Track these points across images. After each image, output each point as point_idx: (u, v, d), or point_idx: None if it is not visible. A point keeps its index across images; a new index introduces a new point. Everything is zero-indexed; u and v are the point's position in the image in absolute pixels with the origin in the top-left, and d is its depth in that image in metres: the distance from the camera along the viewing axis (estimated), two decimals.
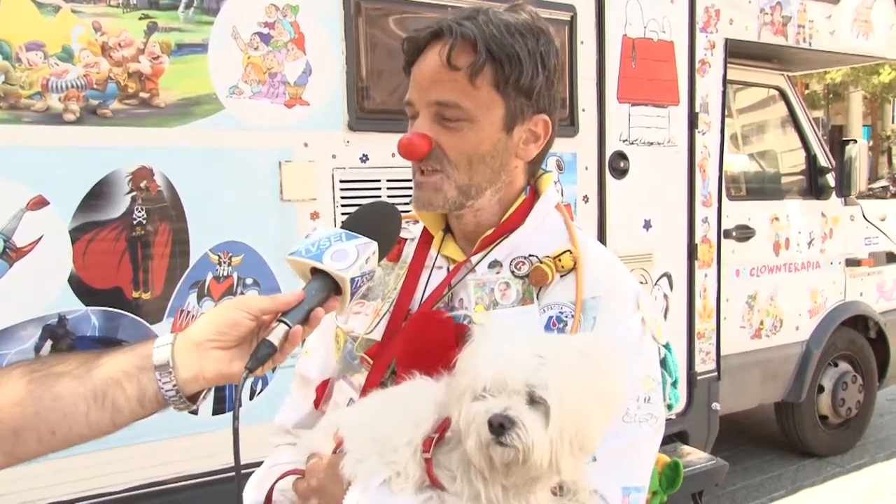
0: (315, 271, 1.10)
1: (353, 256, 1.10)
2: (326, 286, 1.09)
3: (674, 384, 1.28)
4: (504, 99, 1.23)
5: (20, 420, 1.00)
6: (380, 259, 1.17)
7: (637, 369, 1.19)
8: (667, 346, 1.27)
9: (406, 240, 1.40)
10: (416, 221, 1.41)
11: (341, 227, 1.16)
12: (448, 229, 1.36)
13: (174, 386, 1.03)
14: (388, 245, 1.22)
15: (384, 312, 1.33)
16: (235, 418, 1.00)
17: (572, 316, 1.20)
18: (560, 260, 1.24)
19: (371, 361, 1.29)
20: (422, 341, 1.23)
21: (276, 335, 1.03)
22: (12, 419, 1.00)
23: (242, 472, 1.05)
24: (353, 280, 1.09)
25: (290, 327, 1.04)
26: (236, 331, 1.05)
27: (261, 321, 1.06)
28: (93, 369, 1.03)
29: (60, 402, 1.01)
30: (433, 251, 1.35)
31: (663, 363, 1.26)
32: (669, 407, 1.27)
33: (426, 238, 1.38)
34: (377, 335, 1.32)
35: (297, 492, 1.22)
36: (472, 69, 1.19)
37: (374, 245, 1.13)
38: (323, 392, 1.38)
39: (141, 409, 1.04)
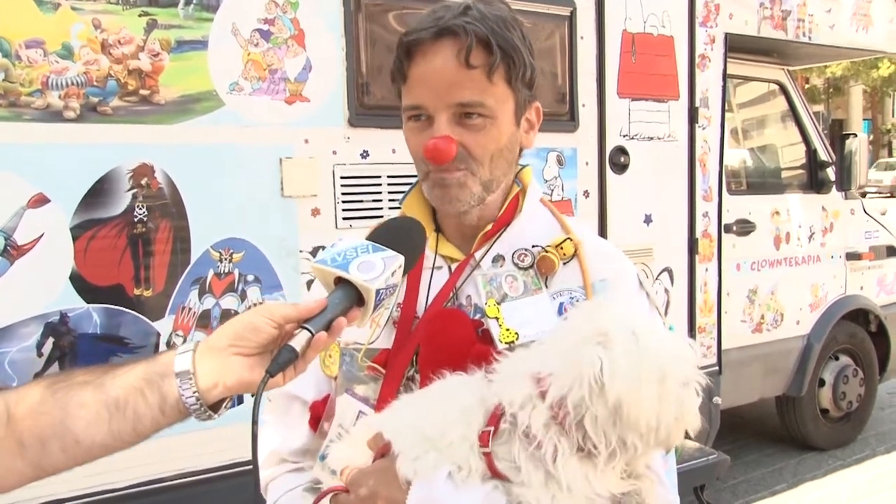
0: (339, 281, 1.09)
1: (379, 268, 1.09)
2: (350, 296, 1.08)
3: None
4: (514, 93, 1.26)
5: (46, 429, 0.99)
6: (403, 274, 1.15)
7: None
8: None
9: None
10: None
11: (367, 239, 1.14)
12: (438, 229, 1.36)
13: (194, 393, 1.01)
14: (413, 260, 1.19)
15: (386, 320, 1.31)
16: (254, 423, 0.99)
17: (584, 299, 1.26)
18: (562, 247, 1.28)
19: (382, 370, 1.27)
20: (442, 340, 1.24)
21: (298, 341, 1.02)
22: (39, 428, 0.99)
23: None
24: (377, 292, 1.08)
25: (313, 334, 1.03)
26: (258, 337, 1.03)
27: (283, 330, 1.05)
28: (115, 378, 1.02)
29: (84, 409, 1.00)
30: (429, 252, 1.34)
31: None
32: None
33: None
34: (381, 344, 1.30)
35: None
36: (490, 67, 1.21)
37: (401, 259, 1.12)
38: (321, 410, 1.35)
39: (162, 417, 1.02)
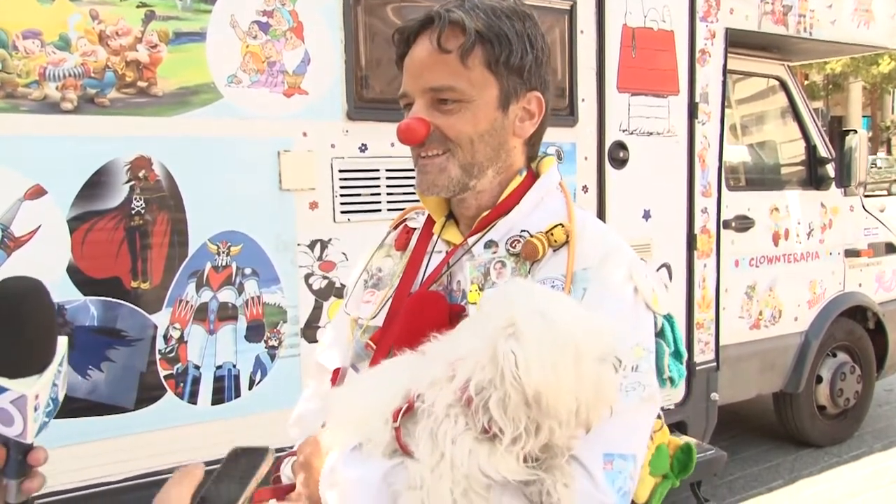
0: None
1: (18, 418, 0.85)
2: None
3: (675, 356, 1.26)
4: (497, 78, 1.25)
5: None
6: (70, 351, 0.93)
7: (626, 338, 1.16)
8: (667, 318, 1.25)
9: (414, 229, 1.43)
10: (424, 212, 1.43)
11: None
12: (451, 216, 1.38)
13: None
14: (46, 345, 0.91)
15: (387, 299, 1.35)
16: None
17: (563, 288, 1.20)
18: (552, 234, 1.24)
19: (374, 347, 1.32)
20: (417, 322, 1.24)
21: None
22: None
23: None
24: (43, 425, 0.89)
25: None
26: None
27: None
28: None
29: None
30: (434, 236, 1.37)
31: (661, 333, 1.25)
32: (672, 380, 1.25)
33: (429, 225, 1.40)
34: (380, 321, 1.34)
35: (292, 470, 1.26)
36: (463, 50, 1.22)
37: (27, 393, 0.84)
38: (335, 381, 1.41)
39: None
